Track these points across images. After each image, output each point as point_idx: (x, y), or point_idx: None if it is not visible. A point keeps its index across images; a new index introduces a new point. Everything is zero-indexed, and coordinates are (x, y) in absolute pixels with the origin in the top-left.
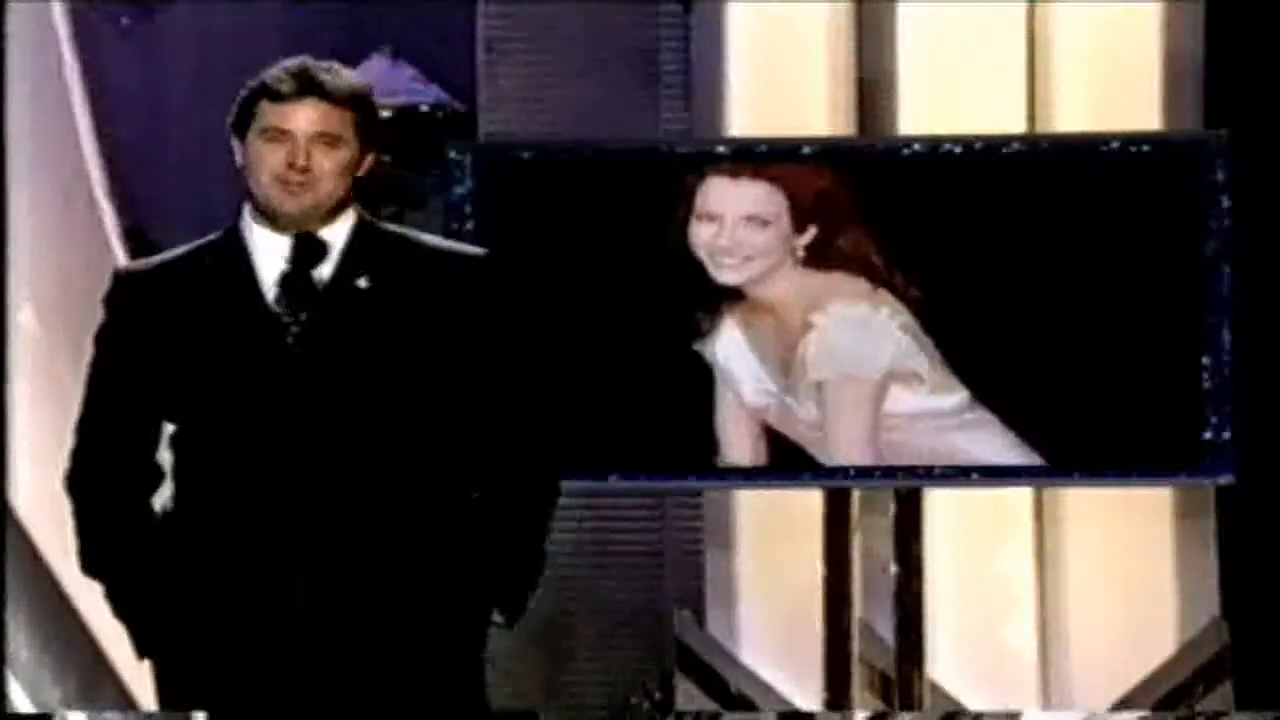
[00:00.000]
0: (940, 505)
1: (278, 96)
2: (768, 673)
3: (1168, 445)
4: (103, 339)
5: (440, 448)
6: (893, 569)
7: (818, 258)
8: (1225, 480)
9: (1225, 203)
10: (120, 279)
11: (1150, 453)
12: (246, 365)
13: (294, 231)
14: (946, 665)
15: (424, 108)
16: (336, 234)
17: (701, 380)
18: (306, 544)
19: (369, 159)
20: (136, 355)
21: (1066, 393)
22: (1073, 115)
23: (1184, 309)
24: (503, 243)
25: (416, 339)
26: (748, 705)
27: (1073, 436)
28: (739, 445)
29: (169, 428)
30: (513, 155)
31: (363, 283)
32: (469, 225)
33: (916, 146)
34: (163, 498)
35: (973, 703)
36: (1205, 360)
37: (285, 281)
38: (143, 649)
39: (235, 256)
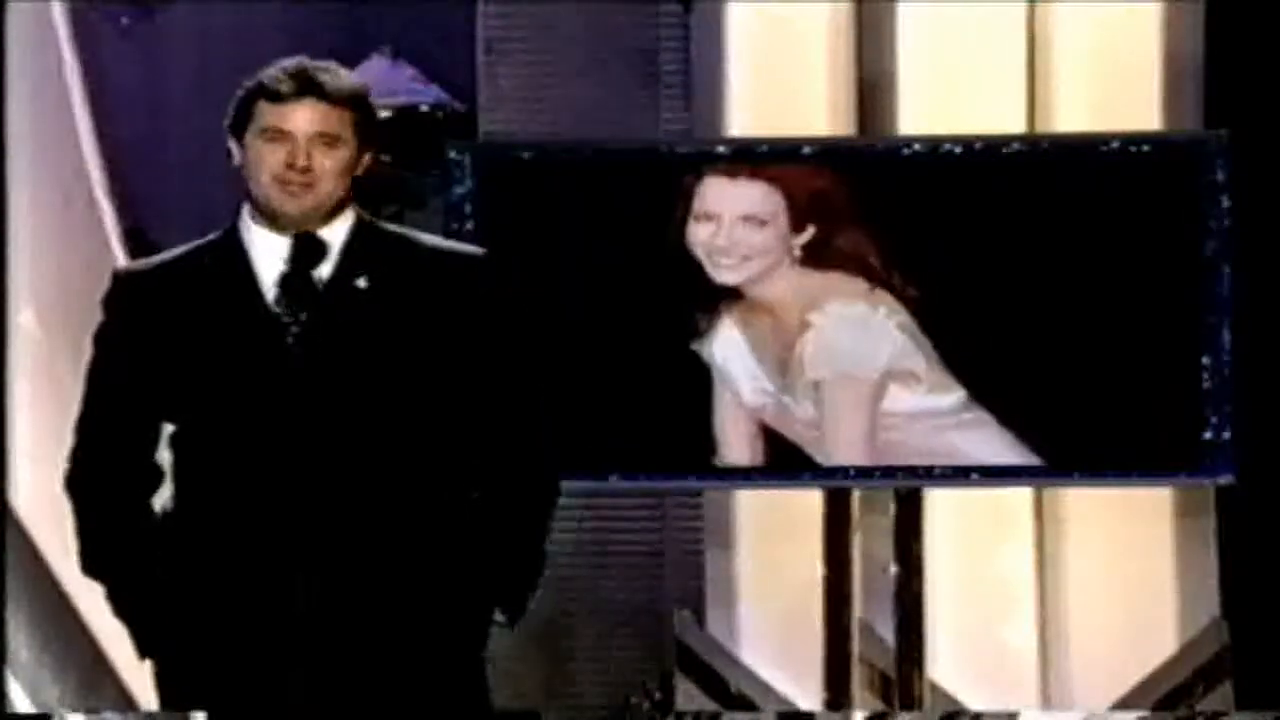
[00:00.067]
0: (940, 505)
1: (276, 97)
2: (768, 673)
3: (1168, 445)
4: (102, 340)
5: (440, 448)
6: (893, 569)
7: (815, 257)
8: (1225, 480)
9: (1225, 203)
10: (119, 280)
11: (1150, 453)
12: (247, 365)
13: (293, 231)
14: (946, 665)
15: (424, 108)
16: (336, 234)
17: (700, 380)
18: (307, 544)
19: (367, 158)
20: (136, 356)
21: (1067, 393)
22: (1073, 115)
23: (1184, 309)
24: (503, 243)
25: (416, 339)
26: (748, 705)
27: (1073, 436)
28: (737, 445)
29: (169, 428)
30: (513, 155)
31: (362, 282)
32: (469, 225)
33: (916, 146)
34: (163, 498)
35: (973, 703)
36: (1205, 360)
37: (285, 281)
38: (143, 649)
39: (234, 257)
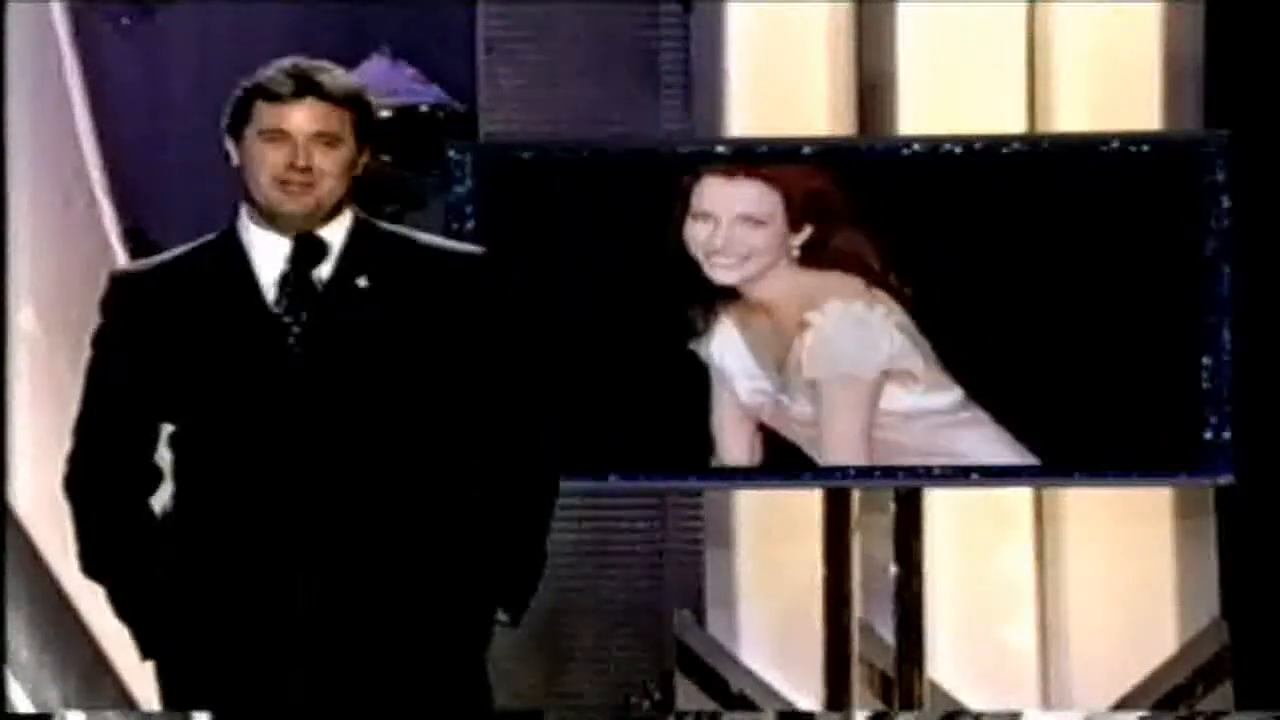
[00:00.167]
0: (940, 505)
1: (275, 97)
2: (768, 673)
3: (1168, 445)
4: (100, 342)
5: (440, 447)
6: (893, 569)
7: (813, 257)
8: (1225, 480)
9: (1225, 203)
10: (116, 282)
11: (1150, 453)
12: (247, 366)
13: (293, 232)
14: (946, 665)
15: (424, 108)
16: (335, 234)
17: (698, 380)
18: (308, 544)
19: (365, 158)
20: (135, 357)
21: (1067, 393)
22: (1073, 115)
23: (1184, 309)
24: (503, 243)
25: (417, 338)
26: (748, 705)
27: (1072, 436)
28: (735, 444)
29: (168, 428)
30: (513, 155)
31: (362, 282)
32: (469, 225)
33: (916, 146)
34: (163, 498)
35: (973, 703)
36: (1205, 360)
37: (285, 282)
38: (145, 650)
39: (233, 257)
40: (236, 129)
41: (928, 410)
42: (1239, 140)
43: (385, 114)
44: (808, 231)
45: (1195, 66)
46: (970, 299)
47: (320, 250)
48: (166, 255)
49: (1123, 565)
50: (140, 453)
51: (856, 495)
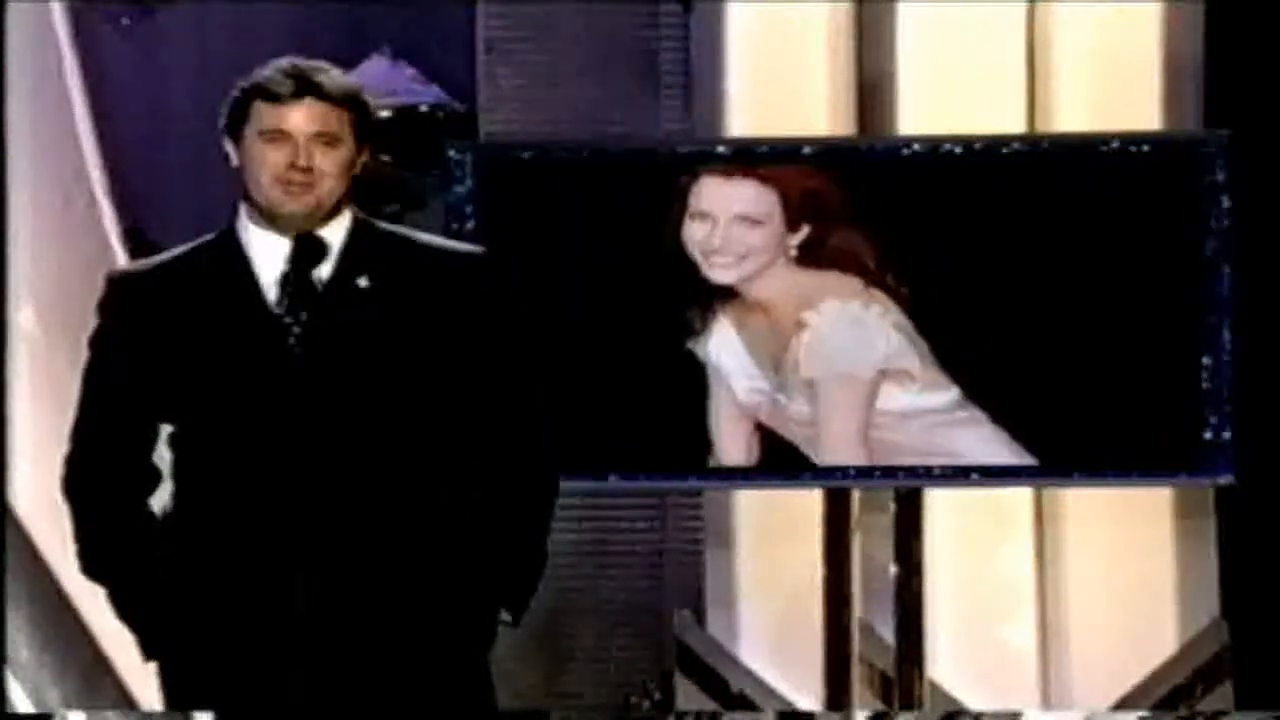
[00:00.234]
0: (940, 505)
1: (274, 98)
2: (768, 673)
3: (1168, 445)
4: (98, 343)
5: (441, 447)
6: (893, 569)
7: (811, 257)
8: (1225, 480)
9: (1225, 203)
10: (114, 283)
11: (1150, 453)
12: (248, 366)
13: (293, 232)
14: (946, 665)
15: (424, 108)
16: (335, 234)
17: (696, 379)
18: (309, 543)
19: (364, 157)
20: (133, 358)
21: (1067, 393)
22: (1073, 115)
23: (1184, 309)
24: (503, 243)
25: (417, 338)
26: (748, 705)
27: (1073, 436)
28: (732, 443)
29: (167, 428)
30: (513, 155)
31: (363, 282)
32: (469, 225)
33: (916, 146)
34: (163, 499)
35: (973, 703)
36: (1205, 360)
37: (286, 282)
38: (148, 650)
39: (233, 258)
40: (235, 129)
41: (924, 410)
42: (1239, 140)
43: (385, 114)
44: (805, 231)
45: (1195, 66)
46: (969, 299)
47: (320, 250)
48: (165, 256)
49: (1123, 565)
50: (139, 453)
51: (856, 495)
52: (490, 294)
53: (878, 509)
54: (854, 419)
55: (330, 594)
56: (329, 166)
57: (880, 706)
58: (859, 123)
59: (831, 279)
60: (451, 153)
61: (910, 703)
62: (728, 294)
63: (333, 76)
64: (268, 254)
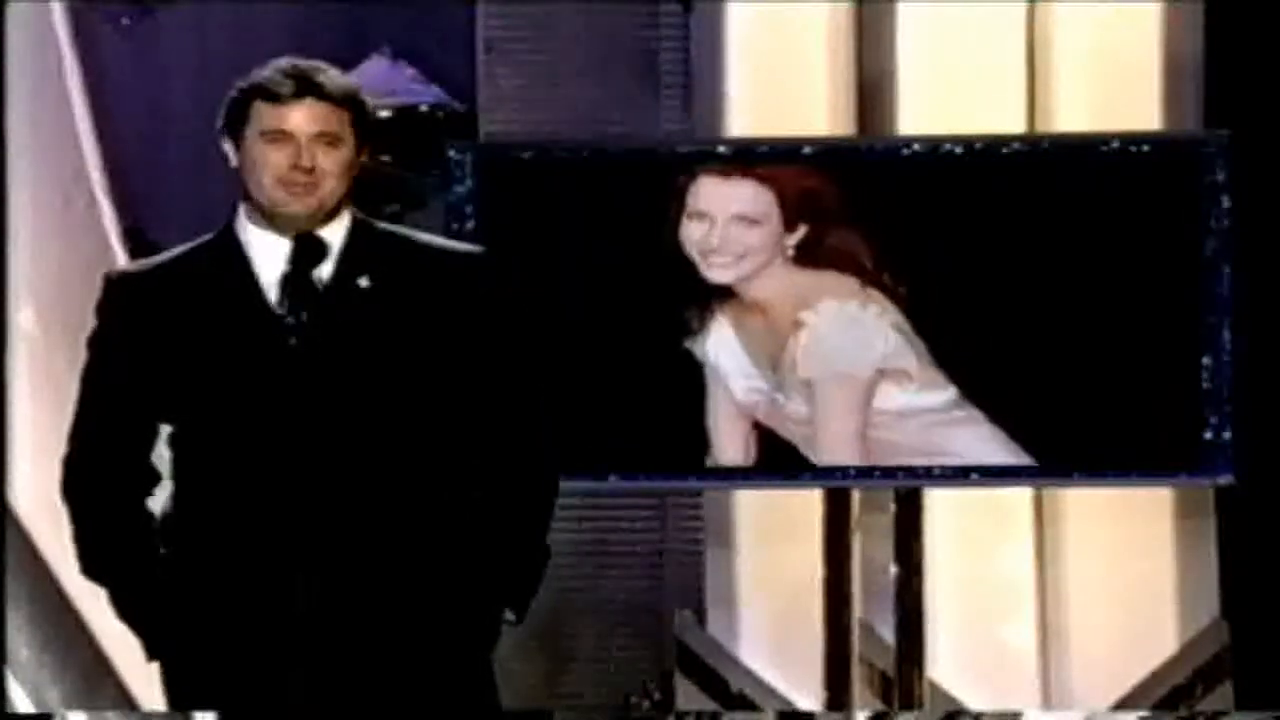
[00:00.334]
0: (940, 505)
1: (275, 98)
2: (768, 673)
3: (1168, 445)
4: (96, 344)
5: (441, 447)
6: (893, 569)
7: (808, 256)
8: (1225, 480)
9: (1225, 203)
10: (112, 284)
11: (1150, 453)
12: (249, 366)
13: (293, 232)
14: (946, 665)
15: (424, 108)
16: (334, 234)
17: (694, 379)
18: (310, 543)
19: (363, 158)
20: (133, 359)
21: (1066, 392)
22: (1073, 115)
23: (1184, 309)
24: (503, 243)
25: (418, 338)
26: (748, 705)
27: (1072, 436)
28: (730, 443)
29: (166, 428)
30: (513, 155)
31: (364, 282)
32: (469, 225)
33: (916, 146)
34: (164, 499)
35: (973, 703)
36: (1205, 360)
37: (287, 282)
38: (150, 650)
39: (233, 258)
40: (235, 130)
41: (922, 409)
42: (1239, 140)
43: (385, 114)
44: (802, 231)
45: (1195, 66)
46: (969, 299)
47: (320, 250)
48: (163, 256)
49: (1123, 565)
50: (138, 454)
51: (856, 495)
52: (490, 294)
53: (878, 509)
54: (852, 418)
55: (331, 594)
56: (331, 166)
57: (880, 706)
58: (859, 123)
59: (829, 279)
60: (451, 153)
61: (910, 703)
62: (725, 294)
63: (333, 76)
64: (268, 254)
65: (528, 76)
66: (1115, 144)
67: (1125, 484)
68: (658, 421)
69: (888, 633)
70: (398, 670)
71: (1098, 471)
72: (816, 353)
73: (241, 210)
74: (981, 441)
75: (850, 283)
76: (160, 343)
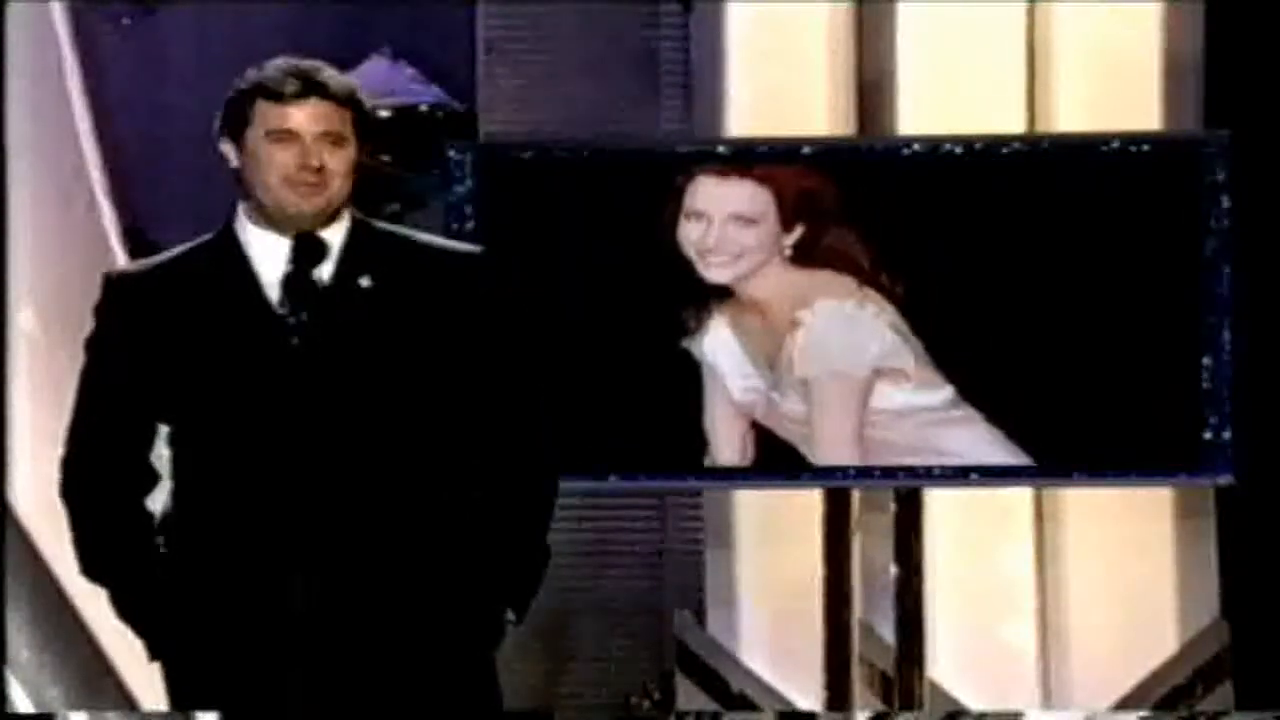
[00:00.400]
0: (940, 505)
1: (279, 97)
2: (768, 673)
3: (1168, 445)
4: (95, 343)
5: (442, 446)
6: (893, 569)
7: (805, 256)
8: (1225, 480)
9: (1225, 203)
10: (111, 284)
11: (1150, 453)
12: (251, 366)
13: (294, 232)
14: (946, 665)
15: (424, 108)
16: (334, 234)
17: (691, 378)
18: (312, 543)
19: (363, 157)
20: (132, 359)
21: (1066, 392)
22: (1073, 115)
23: (1184, 309)
24: (503, 243)
25: (418, 338)
26: (748, 705)
27: (1071, 436)
28: (727, 442)
29: (165, 428)
30: (513, 155)
31: (365, 282)
32: (469, 225)
33: (916, 146)
34: (163, 499)
35: (973, 703)
36: (1205, 360)
37: (288, 282)
38: (153, 651)
39: (232, 258)
40: (237, 130)
41: (919, 408)
42: (1239, 140)
43: (385, 114)
44: (799, 230)
45: (1195, 66)
46: (969, 299)
47: (320, 250)
48: (163, 256)
49: (1123, 565)
50: (137, 454)
51: (856, 495)
52: (490, 294)
53: (878, 509)
54: (848, 417)
55: (332, 594)
56: (337, 166)
57: (880, 706)
58: (859, 123)
59: (826, 278)
60: (451, 153)
61: (910, 703)
62: (723, 293)
63: (334, 75)
64: (268, 254)
65: (528, 76)
66: (1115, 144)
67: (1125, 484)
68: (656, 421)
69: (888, 633)
70: (398, 670)
71: (1097, 471)
72: (813, 352)
73: (241, 210)
74: (979, 441)
75: (847, 282)
76: (160, 342)
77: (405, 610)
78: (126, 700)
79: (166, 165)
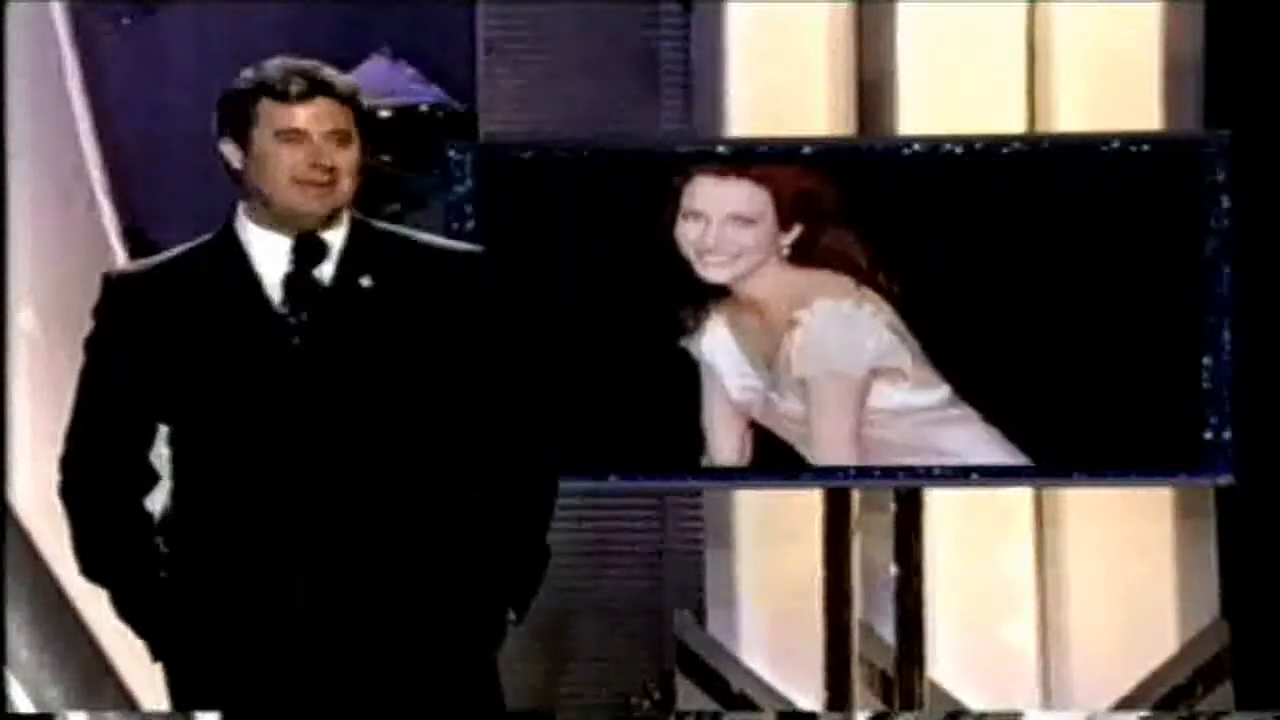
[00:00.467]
0: (940, 505)
1: (284, 96)
2: (768, 673)
3: (1168, 445)
4: (95, 344)
5: (442, 446)
6: (893, 569)
7: (803, 256)
8: (1225, 480)
9: (1225, 203)
10: (110, 284)
11: (1150, 453)
12: (251, 365)
13: (297, 232)
14: (946, 665)
15: (424, 108)
16: (334, 234)
17: (689, 378)
18: (313, 543)
19: (365, 156)
20: (132, 359)
21: (1066, 392)
22: (1073, 115)
23: (1184, 309)
24: (503, 243)
25: (419, 338)
26: (748, 705)
27: (1071, 436)
28: (726, 442)
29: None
30: (513, 155)
31: (366, 282)
32: (469, 225)
33: (916, 146)
34: (163, 499)
35: (973, 703)
36: (1205, 360)
37: (289, 281)
38: (155, 651)
39: (233, 258)
40: (239, 130)
41: (916, 407)
42: (1239, 140)
43: (385, 114)
44: (797, 230)
45: (1195, 66)
46: (970, 299)
47: (321, 250)
48: (163, 256)
49: (1123, 565)
50: (136, 454)
51: (856, 495)
52: (490, 294)
53: (878, 509)
54: (846, 417)
55: (332, 594)
56: (345, 165)
57: (880, 706)
58: (859, 123)
59: (823, 278)
60: (451, 153)
61: (910, 703)
62: (720, 293)
63: (337, 74)
64: (268, 254)
65: (528, 76)
66: (1115, 144)
67: (1125, 484)
68: (654, 421)
69: (888, 633)
70: (399, 670)
71: (1097, 471)
72: (811, 351)
73: (241, 210)
74: (977, 440)
75: (845, 282)
76: (160, 342)
77: (406, 610)
78: (126, 700)
79: (166, 165)
